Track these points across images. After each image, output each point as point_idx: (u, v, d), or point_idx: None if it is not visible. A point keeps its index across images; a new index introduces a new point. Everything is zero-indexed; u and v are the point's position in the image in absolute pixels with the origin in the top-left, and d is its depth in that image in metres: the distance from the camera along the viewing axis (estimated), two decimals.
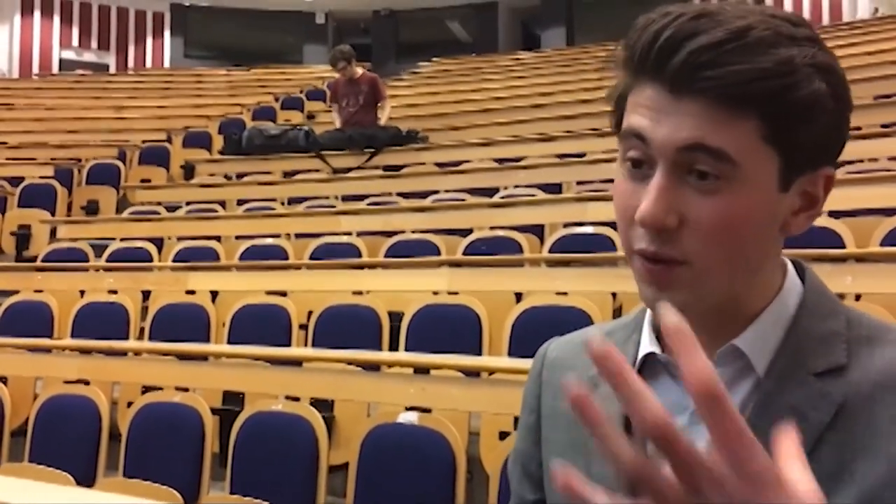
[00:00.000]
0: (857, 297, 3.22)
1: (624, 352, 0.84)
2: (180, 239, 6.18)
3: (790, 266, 0.82)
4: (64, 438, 3.39)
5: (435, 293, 4.27)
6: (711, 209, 0.71)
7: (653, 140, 0.72)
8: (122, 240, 6.32)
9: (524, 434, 0.93)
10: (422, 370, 3.32)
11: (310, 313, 4.34)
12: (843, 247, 3.71)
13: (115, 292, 5.09)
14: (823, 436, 0.72)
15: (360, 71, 7.90)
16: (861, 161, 4.99)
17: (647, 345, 0.82)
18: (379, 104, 7.86)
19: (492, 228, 5.16)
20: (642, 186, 0.73)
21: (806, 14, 14.44)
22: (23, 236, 7.06)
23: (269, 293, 4.67)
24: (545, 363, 0.93)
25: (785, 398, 0.74)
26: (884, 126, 5.46)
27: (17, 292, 5.29)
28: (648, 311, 0.84)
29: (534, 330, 3.68)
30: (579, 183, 5.94)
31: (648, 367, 0.83)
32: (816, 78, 0.71)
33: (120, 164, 8.53)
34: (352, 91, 7.84)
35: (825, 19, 14.00)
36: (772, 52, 0.69)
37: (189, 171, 8.45)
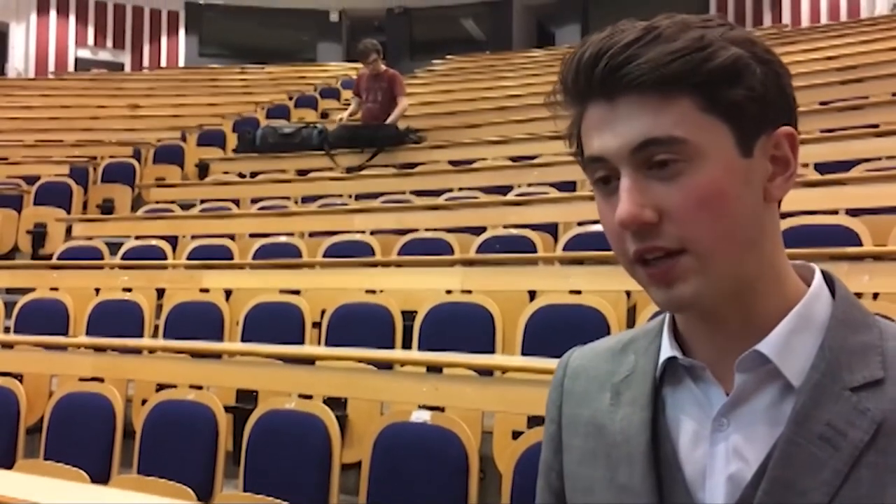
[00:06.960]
0: (875, 296, 3.18)
1: (646, 358, 0.85)
2: (194, 237, 6.20)
3: (818, 273, 0.81)
4: (79, 436, 3.40)
5: (448, 292, 4.26)
6: (682, 191, 0.73)
7: (608, 153, 0.76)
8: (136, 238, 6.35)
9: (547, 443, 0.93)
10: (435, 369, 3.31)
11: (323, 312, 4.34)
12: (861, 245, 3.68)
13: (129, 290, 5.12)
14: (862, 456, 0.71)
15: (383, 67, 7.87)
16: (879, 159, 4.94)
17: (668, 349, 0.82)
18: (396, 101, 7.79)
19: (505, 227, 5.13)
20: (617, 199, 0.76)
21: (823, 11, 14.27)
22: (38, 234, 7.09)
23: (283, 291, 4.67)
24: (567, 372, 0.92)
25: (822, 413, 0.73)
26: None
27: (32, 290, 5.32)
28: (668, 316, 0.84)
29: (547, 329, 3.66)
30: None
31: (670, 371, 0.83)
32: (732, 46, 0.74)
33: (135, 162, 8.57)
34: (373, 86, 7.82)
35: (843, 15, 13.82)
36: (682, 36, 0.74)
37: (203, 169, 8.47)
